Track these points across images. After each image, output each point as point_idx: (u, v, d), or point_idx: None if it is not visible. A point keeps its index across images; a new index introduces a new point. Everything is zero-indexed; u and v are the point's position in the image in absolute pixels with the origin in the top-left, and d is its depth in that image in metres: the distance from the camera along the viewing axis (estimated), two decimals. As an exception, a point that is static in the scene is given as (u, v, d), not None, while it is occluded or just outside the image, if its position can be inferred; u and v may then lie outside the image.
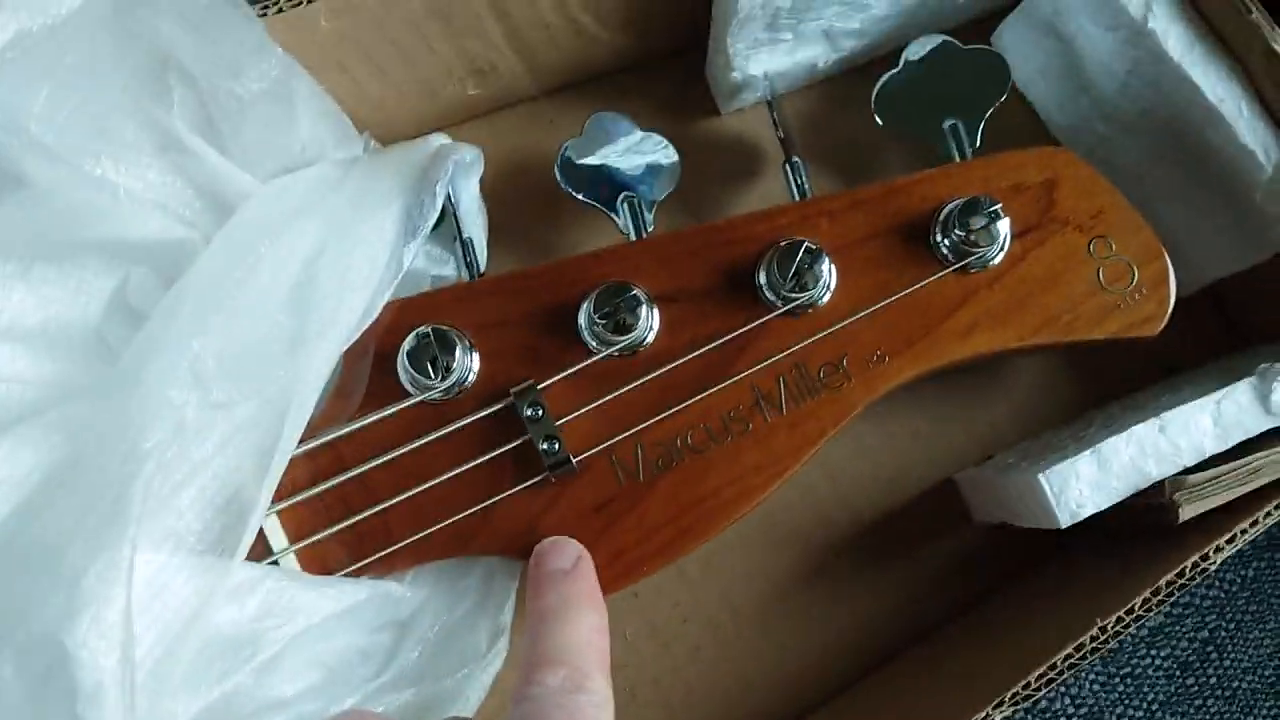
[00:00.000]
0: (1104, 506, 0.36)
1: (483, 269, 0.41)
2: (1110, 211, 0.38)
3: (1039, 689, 0.35)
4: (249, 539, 0.30)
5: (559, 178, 0.40)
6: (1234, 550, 0.36)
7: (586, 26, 0.43)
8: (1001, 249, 0.36)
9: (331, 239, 0.34)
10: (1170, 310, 0.37)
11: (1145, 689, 0.46)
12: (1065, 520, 0.36)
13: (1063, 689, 0.46)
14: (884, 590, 0.45)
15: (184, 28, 0.32)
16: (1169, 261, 0.37)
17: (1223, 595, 0.48)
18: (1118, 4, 0.40)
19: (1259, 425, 0.37)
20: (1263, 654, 0.48)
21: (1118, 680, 0.46)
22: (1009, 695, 0.35)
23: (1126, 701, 0.46)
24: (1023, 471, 0.39)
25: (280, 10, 0.37)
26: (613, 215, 0.40)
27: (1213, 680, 0.47)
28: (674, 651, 0.44)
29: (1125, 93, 0.43)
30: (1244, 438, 0.37)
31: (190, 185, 0.33)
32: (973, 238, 0.36)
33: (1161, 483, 0.37)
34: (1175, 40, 0.39)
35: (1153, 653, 0.47)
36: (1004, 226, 0.36)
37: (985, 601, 0.44)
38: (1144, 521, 0.38)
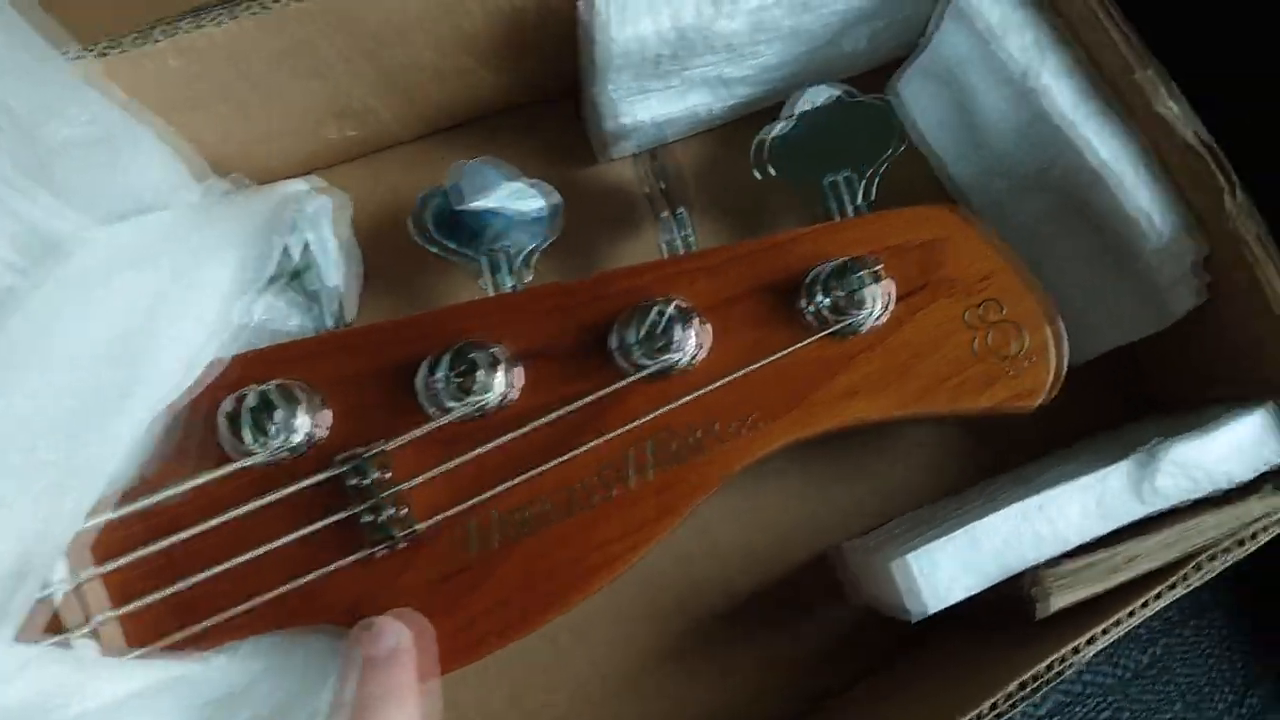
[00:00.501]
0: (976, 589, 0.35)
1: (349, 320, 0.39)
2: (1001, 274, 0.36)
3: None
4: (20, 614, 0.28)
5: (411, 229, 0.37)
6: (1108, 642, 0.33)
7: (467, 67, 0.41)
8: (881, 312, 0.34)
9: (162, 290, 0.32)
10: (1051, 382, 0.35)
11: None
12: (933, 605, 0.34)
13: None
14: (757, 666, 0.43)
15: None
16: (1055, 330, 0.36)
17: (1127, 674, 0.45)
18: (1007, 57, 0.38)
19: (1142, 509, 0.35)
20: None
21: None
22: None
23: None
24: (895, 550, 0.37)
25: (124, 50, 0.35)
26: (477, 268, 0.37)
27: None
28: (540, 723, 0.42)
29: (1020, 149, 0.41)
30: (1125, 522, 0.35)
31: (17, 229, 0.31)
32: (841, 303, 0.34)
33: (1034, 569, 0.34)
34: (1062, 97, 0.38)
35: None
36: (882, 290, 0.34)
37: (851, 688, 0.42)
38: (1015, 607, 0.36)
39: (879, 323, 0.35)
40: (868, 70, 0.46)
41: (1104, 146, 0.37)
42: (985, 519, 0.35)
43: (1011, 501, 0.35)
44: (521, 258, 0.38)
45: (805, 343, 0.35)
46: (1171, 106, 0.36)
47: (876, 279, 0.34)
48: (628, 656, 0.42)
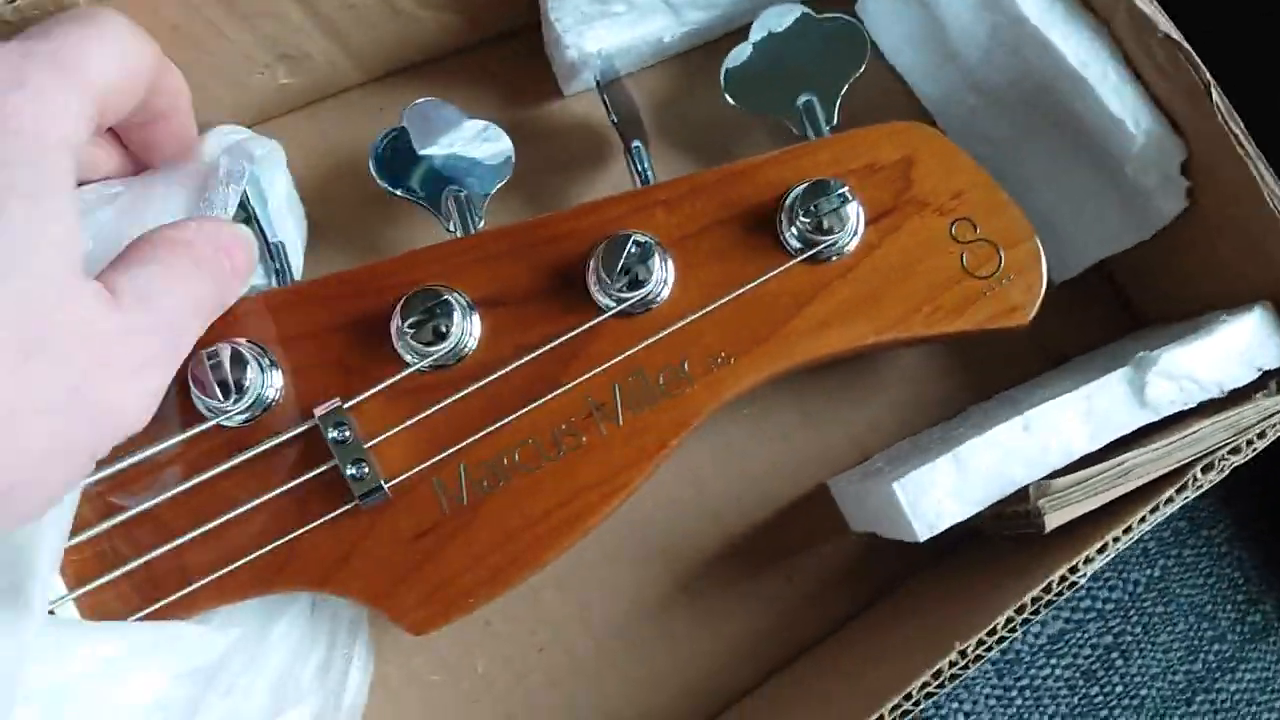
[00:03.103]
0: (965, 516, 0.33)
1: (296, 276, 0.37)
2: (973, 190, 0.34)
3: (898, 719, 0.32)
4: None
5: (374, 172, 0.36)
6: (1107, 559, 0.32)
7: (400, 5, 0.39)
8: (854, 236, 0.33)
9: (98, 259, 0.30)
10: (1040, 297, 0.34)
11: (1046, 701, 0.43)
12: (923, 532, 0.33)
13: (955, 704, 0.42)
14: (757, 607, 0.41)
15: None
16: (1039, 243, 0.34)
17: (1126, 597, 0.44)
18: (974, -37, 0.37)
19: (1133, 421, 0.34)
20: (1172, 658, 0.45)
21: (1015, 693, 0.43)
22: (869, 724, 0.32)
23: (1024, 716, 0.43)
24: (884, 478, 0.35)
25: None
26: (437, 213, 0.36)
27: (1119, 689, 0.44)
28: (529, 684, 0.41)
29: (990, 61, 0.39)
30: (1117, 435, 0.34)
31: None
32: (821, 224, 0.32)
33: (1027, 488, 0.33)
34: (1033, 1, 0.36)
35: (1052, 661, 0.44)
36: (855, 210, 0.33)
37: (860, 617, 0.41)
38: (1014, 527, 0.35)
39: (851, 246, 0.33)
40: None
41: (1079, 49, 0.35)
42: (970, 441, 0.33)
43: (999, 423, 0.34)
44: (479, 200, 0.37)
45: (776, 271, 0.33)
46: (1149, 4, 0.34)
47: (847, 199, 0.32)
48: (621, 608, 0.41)
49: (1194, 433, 0.33)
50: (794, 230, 0.33)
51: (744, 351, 0.33)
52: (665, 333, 0.33)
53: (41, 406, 0.23)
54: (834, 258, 0.33)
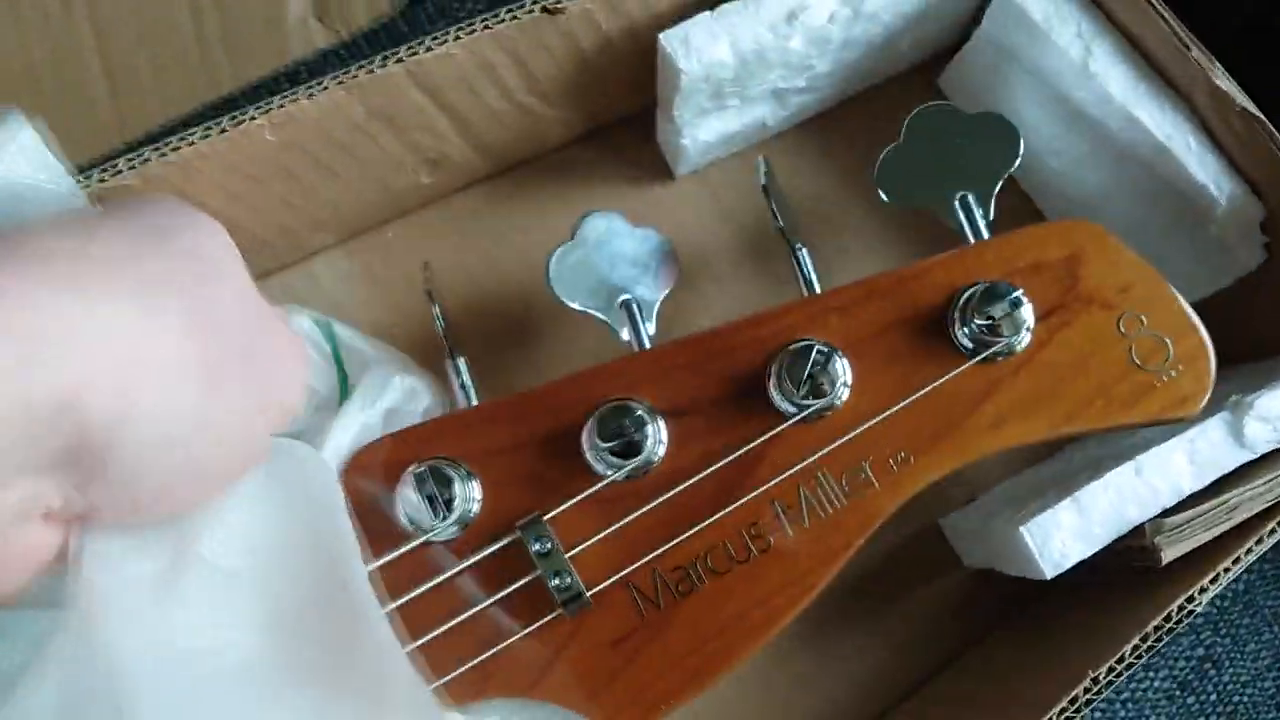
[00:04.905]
0: (1087, 555, 0.36)
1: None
2: (1139, 285, 0.35)
3: (1037, 743, 0.35)
4: None
5: (551, 288, 0.37)
6: (1219, 589, 0.36)
7: (533, 108, 0.43)
8: (1025, 335, 0.33)
9: None
10: (1210, 387, 0.34)
11: (1147, 712, 0.47)
12: (1050, 571, 0.36)
13: (1065, 719, 0.46)
14: (878, 640, 0.45)
15: None
16: (1202, 335, 0.34)
17: (1216, 611, 0.48)
18: (1058, 49, 0.40)
19: (1234, 460, 0.37)
20: (1260, 666, 0.48)
21: (1119, 706, 0.47)
22: (1009, 752, 0.35)
23: (1128, 725, 0.46)
24: (1006, 521, 0.39)
25: (224, 131, 0.37)
26: (609, 322, 0.37)
27: (1213, 697, 0.47)
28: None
29: (1074, 131, 0.43)
30: (1219, 475, 0.37)
31: None
32: (994, 326, 0.33)
33: (1142, 525, 0.37)
34: (1118, 81, 0.40)
35: (1150, 675, 0.47)
36: (1027, 311, 0.33)
37: (973, 649, 0.44)
38: (1128, 561, 0.38)
39: (1022, 345, 0.34)
40: (906, 70, 0.48)
41: (1164, 122, 0.39)
42: (1088, 486, 0.37)
43: (1108, 466, 0.37)
44: (649, 307, 0.37)
45: (953, 373, 0.34)
46: (1227, 81, 0.38)
47: (1020, 302, 0.33)
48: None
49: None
50: (966, 331, 0.33)
51: (923, 450, 0.33)
52: (846, 437, 0.33)
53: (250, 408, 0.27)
54: (1006, 356, 0.34)
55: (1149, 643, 0.35)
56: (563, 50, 0.40)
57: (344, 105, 0.38)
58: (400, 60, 0.38)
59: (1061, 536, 0.36)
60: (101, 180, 0.37)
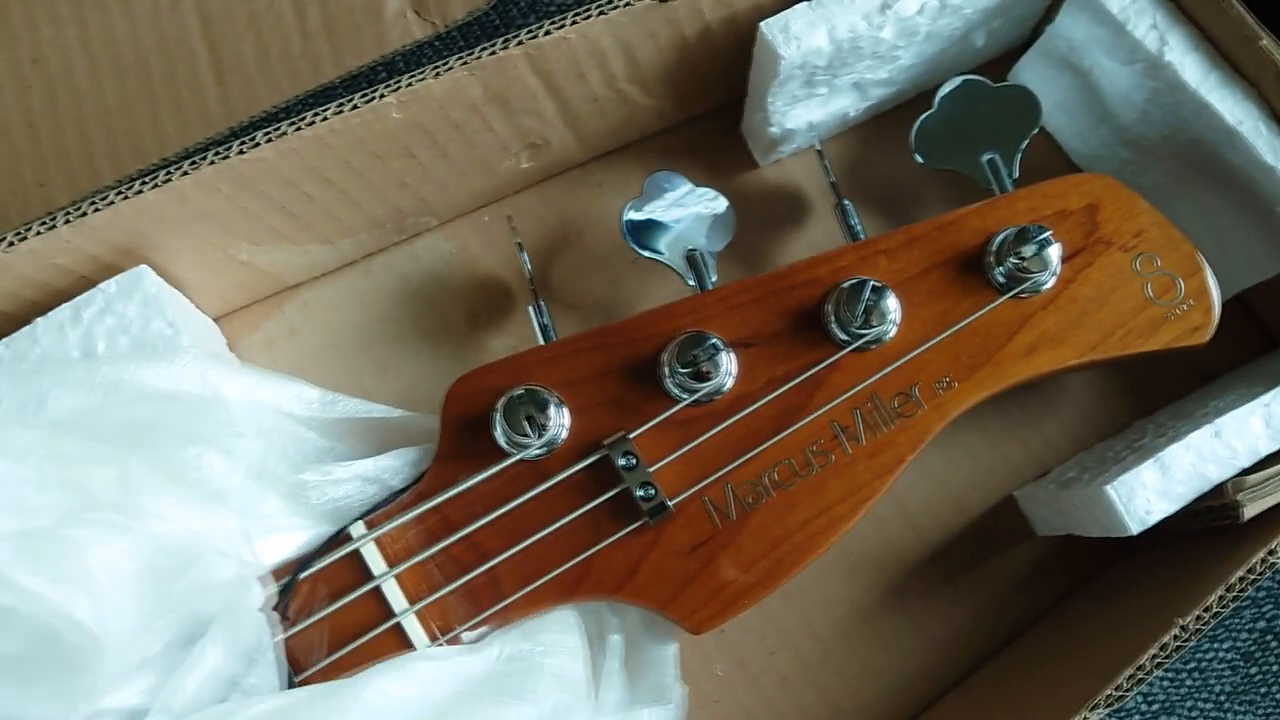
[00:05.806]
0: (1171, 511, 0.38)
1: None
2: (1151, 230, 0.40)
3: (1129, 689, 0.37)
4: None
5: (626, 236, 0.41)
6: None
7: (632, 96, 0.46)
8: (1053, 273, 0.38)
9: None
10: (1216, 319, 0.39)
11: (1212, 681, 0.48)
12: (1135, 527, 0.38)
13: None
14: (957, 607, 0.47)
15: None
16: (1210, 273, 0.40)
17: (1276, 585, 0.50)
18: (1133, 40, 0.43)
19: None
20: (1320, 639, 0.50)
21: (1184, 675, 0.48)
22: (1102, 698, 0.37)
23: (1196, 695, 0.48)
24: (1086, 485, 0.41)
25: (355, 108, 0.39)
26: (676, 269, 0.41)
27: (1275, 668, 0.49)
28: (763, 684, 0.46)
29: (1145, 120, 0.45)
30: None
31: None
32: (1026, 265, 0.38)
33: (1222, 484, 0.39)
34: (1191, 70, 0.42)
35: (1215, 645, 0.49)
36: (1054, 252, 0.38)
37: (1056, 610, 0.46)
38: (1206, 522, 0.40)
39: (1051, 283, 0.39)
40: (980, 65, 0.50)
41: (1235, 108, 0.41)
42: (1170, 448, 0.39)
43: (1185, 431, 0.40)
44: (711, 256, 0.41)
45: (990, 306, 0.39)
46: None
47: (1048, 242, 0.38)
48: (838, 614, 0.46)
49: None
50: (1001, 270, 0.38)
51: (965, 376, 0.38)
52: (897, 364, 0.38)
53: None
54: (1036, 292, 0.39)
55: (1234, 592, 0.37)
56: (667, 38, 0.43)
57: (465, 86, 0.41)
58: (520, 43, 0.40)
59: (1146, 494, 0.38)
60: (240, 153, 0.39)
